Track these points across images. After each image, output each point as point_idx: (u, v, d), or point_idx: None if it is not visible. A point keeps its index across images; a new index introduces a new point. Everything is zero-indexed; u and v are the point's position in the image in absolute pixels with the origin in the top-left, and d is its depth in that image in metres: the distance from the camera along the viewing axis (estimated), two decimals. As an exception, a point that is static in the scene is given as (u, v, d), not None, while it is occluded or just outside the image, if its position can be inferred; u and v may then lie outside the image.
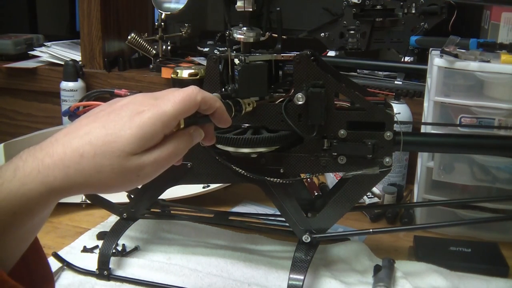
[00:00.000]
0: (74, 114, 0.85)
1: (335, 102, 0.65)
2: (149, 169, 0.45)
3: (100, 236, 0.83)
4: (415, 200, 0.94)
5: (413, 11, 1.15)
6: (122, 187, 0.45)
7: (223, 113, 0.50)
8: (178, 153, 0.47)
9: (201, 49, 1.32)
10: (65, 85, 1.20)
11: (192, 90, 0.47)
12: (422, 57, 1.13)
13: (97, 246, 0.80)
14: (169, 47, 1.26)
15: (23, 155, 0.42)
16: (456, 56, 0.80)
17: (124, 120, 0.44)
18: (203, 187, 0.95)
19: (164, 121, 0.44)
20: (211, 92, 0.65)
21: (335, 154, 0.66)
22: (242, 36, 0.65)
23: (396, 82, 1.11)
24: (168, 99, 0.45)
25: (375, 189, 0.97)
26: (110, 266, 0.74)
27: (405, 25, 1.16)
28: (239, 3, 0.64)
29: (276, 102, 0.67)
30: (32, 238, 0.46)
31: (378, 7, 1.16)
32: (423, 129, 0.92)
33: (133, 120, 0.43)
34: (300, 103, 0.63)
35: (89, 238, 0.84)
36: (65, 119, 1.11)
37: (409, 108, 0.99)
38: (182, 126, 0.47)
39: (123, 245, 0.80)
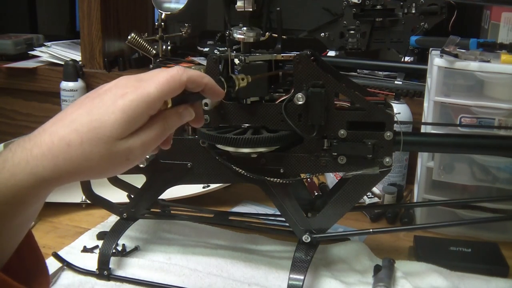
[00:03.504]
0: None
1: (335, 102, 0.65)
2: (138, 152, 0.45)
3: (100, 236, 0.83)
4: (415, 200, 0.94)
5: (413, 11, 1.14)
6: (112, 171, 0.45)
7: (214, 86, 0.49)
8: (165, 133, 0.47)
9: (201, 49, 1.32)
10: (65, 85, 1.20)
11: (177, 70, 0.46)
12: (422, 57, 1.13)
13: (97, 246, 0.80)
14: (169, 47, 1.26)
15: (12, 146, 0.42)
16: (456, 56, 0.80)
17: (108, 105, 0.43)
18: (203, 187, 0.95)
19: (148, 103, 0.44)
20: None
21: (335, 154, 0.66)
22: (242, 36, 0.65)
23: (396, 82, 1.11)
24: (152, 80, 0.45)
25: (375, 189, 0.97)
26: (110, 266, 0.74)
27: (405, 25, 1.16)
28: (239, 3, 0.64)
29: (276, 102, 0.67)
30: (25, 231, 0.46)
31: (378, 7, 1.16)
32: (423, 129, 0.92)
33: (116, 104, 0.43)
34: (300, 103, 0.63)
35: (89, 238, 0.84)
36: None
37: (409, 108, 0.99)
38: (169, 105, 0.47)
39: (123, 245, 0.80)
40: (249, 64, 0.65)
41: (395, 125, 0.65)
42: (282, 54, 0.67)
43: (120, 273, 0.74)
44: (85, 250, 0.80)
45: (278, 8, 0.81)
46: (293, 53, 0.65)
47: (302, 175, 0.71)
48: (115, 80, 0.46)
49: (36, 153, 0.41)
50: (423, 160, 0.88)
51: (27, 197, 0.42)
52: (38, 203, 0.44)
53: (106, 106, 0.43)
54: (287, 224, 0.71)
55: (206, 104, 0.63)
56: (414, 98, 1.06)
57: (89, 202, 0.86)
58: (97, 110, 0.43)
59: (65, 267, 0.75)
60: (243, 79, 0.59)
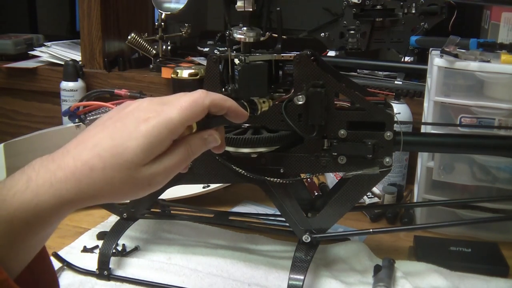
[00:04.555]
0: (74, 114, 0.85)
1: (335, 102, 0.65)
2: (160, 178, 0.45)
3: (100, 236, 0.83)
4: (415, 200, 0.94)
5: (413, 11, 1.15)
6: (134, 195, 0.45)
7: (237, 109, 0.49)
8: (189, 158, 0.46)
9: (201, 49, 1.32)
10: (65, 85, 1.20)
11: (200, 94, 0.46)
12: (422, 57, 1.13)
13: (97, 246, 0.80)
14: (169, 47, 1.27)
15: (35, 165, 0.42)
16: (456, 56, 0.80)
17: (130, 130, 0.43)
18: (203, 187, 0.95)
19: (171, 129, 0.43)
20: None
21: (335, 154, 0.66)
22: (242, 36, 0.65)
23: (396, 82, 1.11)
24: (174, 105, 0.44)
25: (375, 189, 0.97)
26: (110, 266, 0.74)
27: (405, 25, 1.16)
28: (239, 3, 0.64)
29: (276, 102, 0.67)
30: (40, 248, 0.46)
31: (378, 7, 1.16)
32: (423, 129, 0.92)
33: (138, 129, 0.43)
34: (300, 103, 0.63)
35: (89, 238, 0.84)
36: (65, 119, 1.11)
37: (409, 108, 0.99)
38: (194, 130, 0.46)
39: (123, 245, 0.80)
40: (249, 64, 0.65)
41: (395, 125, 0.65)
42: (282, 54, 0.67)
43: (120, 273, 0.74)
44: (85, 250, 0.80)
45: (278, 8, 0.81)
46: (293, 53, 0.65)
47: (302, 175, 0.71)
48: (137, 101, 0.46)
49: (60, 176, 0.41)
50: (423, 160, 0.88)
51: (48, 218, 0.42)
52: (57, 223, 0.45)
53: (128, 131, 0.43)
54: (287, 224, 0.72)
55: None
56: (414, 98, 1.05)
57: (89, 202, 0.86)
58: (119, 135, 0.43)
59: (65, 267, 0.75)
60: (264, 102, 0.58)
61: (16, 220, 0.40)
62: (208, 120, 0.47)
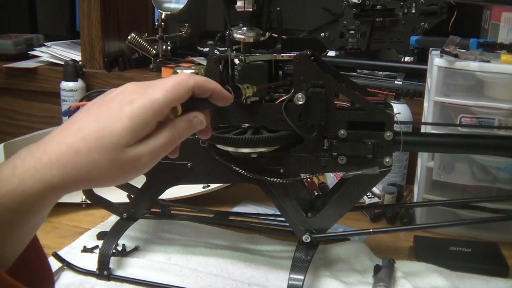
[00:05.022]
0: (74, 114, 0.85)
1: (335, 102, 0.65)
2: (146, 160, 0.45)
3: (100, 236, 0.83)
4: (415, 200, 0.94)
5: (413, 11, 1.15)
6: (120, 179, 0.45)
7: (221, 91, 0.49)
8: (175, 141, 0.47)
9: (201, 49, 1.32)
10: (65, 85, 1.20)
11: (184, 76, 0.46)
12: (422, 57, 1.13)
13: (97, 246, 0.80)
14: (169, 47, 1.27)
15: (21, 153, 0.43)
16: (456, 56, 0.80)
17: (114, 112, 0.43)
18: (203, 187, 0.95)
19: (155, 110, 0.44)
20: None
21: (335, 154, 0.66)
22: (242, 36, 0.65)
23: (396, 82, 1.11)
24: (158, 86, 0.45)
25: (375, 189, 0.97)
26: (110, 266, 0.74)
27: (405, 25, 1.16)
28: (239, 3, 0.64)
29: (276, 102, 0.67)
30: (31, 237, 0.46)
31: (378, 7, 1.16)
32: (423, 129, 0.92)
33: (123, 111, 0.43)
34: (300, 103, 0.63)
35: (89, 238, 0.84)
36: (65, 119, 1.11)
37: (409, 108, 0.99)
38: (179, 112, 0.46)
39: (123, 245, 0.80)
40: (249, 64, 0.65)
41: (395, 125, 0.65)
42: (282, 54, 0.67)
43: (120, 273, 0.74)
44: (85, 250, 0.80)
45: (278, 8, 0.81)
46: (293, 53, 0.65)
47: (302, 175, 0.71)
48: (122, 86, 0.46)
49: (45, 161, 0.42)
50: (423, 160, 0.88)
51: (35, 204, 0.42)
52: (46, 210, 0.44)
53: (113, 114, 0.43)
54: (287, 224, 0.71)
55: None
56: (414, 98, 1.06)
57: (89, 202, 0.86)
58: (104, 118, 0.43)
59: (65, 267, 0.75)
60: (248, 88, 0.59)
61: (2, 208, 0.40)
62: (193, 103, 0.47)
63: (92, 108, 0.45)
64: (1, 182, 0.40)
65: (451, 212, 0.87)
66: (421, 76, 1.06)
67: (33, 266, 0.49)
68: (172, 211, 0.87)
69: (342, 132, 0.65)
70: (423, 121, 0.92)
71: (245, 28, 0.65)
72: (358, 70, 1.16)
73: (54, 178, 0.41)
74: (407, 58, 1.17)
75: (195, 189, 0.94)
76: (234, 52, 0.67)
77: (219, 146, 0.67)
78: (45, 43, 1.33)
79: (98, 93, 0.91)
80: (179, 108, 0.46)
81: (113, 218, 0.85)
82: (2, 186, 0.40)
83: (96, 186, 0.45)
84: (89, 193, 0.79)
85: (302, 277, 0.66)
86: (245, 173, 0.68)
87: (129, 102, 0.44)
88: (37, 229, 0.46)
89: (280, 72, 0.69)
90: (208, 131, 0.51)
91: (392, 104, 0.71)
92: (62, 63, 1.23)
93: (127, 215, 0.77)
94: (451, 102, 0.82)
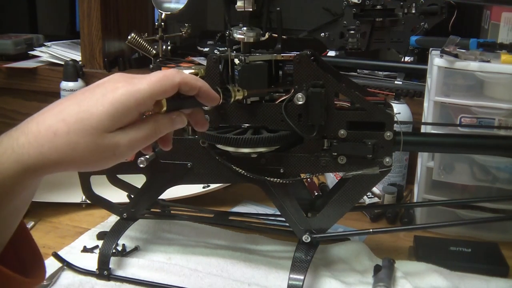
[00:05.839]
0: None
1: (335, 102, 0.65)
2: (124, 148, 0.45)
3: (100, 236, 0.83)
4: (415, 200, 0.94)
5: (413, 11, 1.15)
6: (98, 164, 0.45)
7: (208, 90, 0.49)
8: (155, 136, 0.47)
9: (201, 49, 1.32)
10: (65, 85, 1.20)
11: (171, 71, 0.46)
12: (422, 57, 1.13)
13: (97, 246, 0.80)
14: (169, 47, 1.26)
15: (0, 136, 0.43)
16: (456, 56, 0.80)
17: (97, 97, 0.44)
18: (203, 187, 0.95)
19: (138, 99, 0.44)
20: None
21: (335, 154, 0.66)
22: (242, 36, 0.65)
23: (396, 82, 1.11)
24: (145, 78, 0.45)
25: (375, 189, 0.97)
26: (110, 266, 0.74)
27: (405, 25, 1.16)
28: (239, 3, 0.64)
29: (276, 102, 0.67)
30: (16, 222, 0.46)
31: (378, 7, 1.16)
32: (423, 129, 0.92)
33: (106, 97, 0.43)
34: (300, 103, 0.63)
35: (89, 238, 0.84)
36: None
37: (409, 108, 0.99)
38: (164, 109, 0.47)
39: (123, 245, 0.80)
40: (249, 64, 0.65)
41: (395, 125, 0.65)
42: (282, 54, 0.67)
43: (120, 273, 0.74)
44: (85, 250, 0.80)
45: (278, 8, 0.81)
46: (293, 53, 0.65)
47: (302, 175, 0.71)
48: (108, 76, 0.47)
49: (22, 141, 0.42)
50: (423, 160, 0.88)
51: (13, 186, 0.42)
52: (26, 193, 0.44)
53: (95, 99, 0.44)
54: (287, 224, 0.71)
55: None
56: (414, 98, 1.06)
57: (89, 202, 0.86)
58: (86, 102, 0.43)
59: (65, 267, 0.75)
60: (239, 91, 0.58)
61: None
62: (180, 100, 0.47)
63: (76, 94, 0.45)
64: None
65: (451, 212, 0.87)
66: (421, 76, 1.06)
67: (23, 254, 0.49)
68: (172, 211, 0.87)
69: (342, 132, 0.65)
70: (423, 121, 0.92)
71: (245, 28, 0.65)
72: (358, 70, 1.16)
73: (31, 159, 0.41)
74: (407, 58, 1.17)
75: (195, 189, 0.94)
76: (234, 52, 0.67)
77: (219, 146, 0.67)
78: (45, 43, 1.33)
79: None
80: (164, 103, 0.46)
81: (113, 218, 0.85)
82: None
83: (74, 169, 0.45)
84: (89, 193, 0.79)
85: (302, 277, 0.66)
86: (245, 173, 0.68)
87: (113, 89, 0.44)
88: (21, 214, 0.47)
89: (280, 72, 0.69)
90: (204, 124, 0.52)
91: (392, 104, 0.71)
92: (62, 63, 1.23)
93: (127, 215, 0.77)
94: (451, 102, 0.82)
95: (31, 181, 0.43)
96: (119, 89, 0.44)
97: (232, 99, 0.57)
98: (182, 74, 0.47)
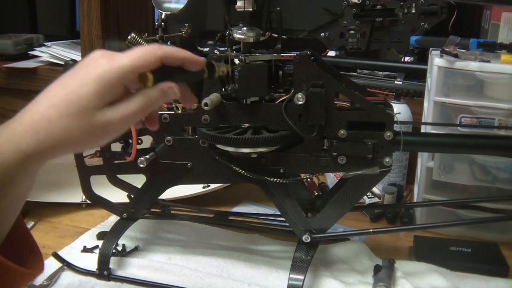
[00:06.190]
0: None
1: (335, 102, 0.65)
2: (117, 124, 0.46)
3: (100, 236, 0.83)
4: (415, 200, 0.94)
5: (413, 11, 1.14)
6: (93, 143, 0.47)
7: (192, 57, 0.51)
8: (146, 108, 0.48)
9: (201, 49, 1.32)
10: (65, 85, 1.20)
11: (153, 46, 0.48)
12: (422, 57, 1.13)
13: (97, 246, 0.80)
14: (169, 47, 1.26)
15: None
16: (456, 56, 0.80)
17: (81, 77, 0.45)
18: (203, 187, 0.95)
19: (120, 74, 0.45)
20: (211, 92, 0.66)
21: (335, 154, 0.66)
22: (242, 36, 0.65)
23: (396, 82, 1.11)
24: (126, 54, 0.47)
25: (375, 189, 0.97)
26: (110, 266, 0.74)
27: (405, 25, 1.16)
28: (239, 3, 0.64)
29: (276, 102, 0.67)
30: (16, 213, 0.48)
31: (378, 7, 1.16)
32: (423, 129, 0.92)
33: (89, 75, 0.45)
34: (300, 103, 0.63)
35: (89, 238, 0.84)
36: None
37: (409, 108, 0.99)
38: (150, 81, 0.48)
39: (123, 245, 0.80)
40: (249, 64, 0.65)
41: (395, 125, 0.65)
42: (282, 54, 0.67)
43: (120, 273, 0.74)
44: (85, 250, 0.80)
45: (278, 8, 0.81)
46: (293, 53, 0.65)
47: (302, 175, 0.71)
48: (91, 53, 0.48)
49: (19, 131, 0.43)
50: (423, 160, 0.88)
51: (14, 174, 0.43)
52: (26, 182, 0.46)
53: (80, 79, 0.45)
54: (287, 224, 0.71)
55: (206, 104, 0.63)
56: (414, 98, 1.06)
57: (89, 202, 0.86)
58: (72, 83, 0.45)
59: (65, 267, 0.75)
60: (222, 66, 0.61)
61: None
62: (165, 72, 0.49)
63: (63, 77, 0.47)
64: None
65: (451, 212, 0.87)
66: (421, 76, 1.06)
67: (20, 247, 0.50)
68: (172, 211, 0.87)
69: (342, 132, 0.65)
70: (423, 121, 0.92)
71: (245, 28, 0.65)
72: (358, 70, 1.16)
73: (29, 147, 0.43)
74: (407, 58, 1.17)
75: (195, 189, 0.94)
76: (234, 52, 0.67)
77: (219, 146, 0.67)
78: (45, 43, 1.33)
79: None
80: (150, 76, 0.48)
81: (113, 218, 0.85)
82: None
83: (71, 151, 0.47)
84: (89, 193, 0.79)
85: (302, 277, 0.66)
86: (245, 173, 0.68)
87: (95, 67, 0.45)
88: (20, 205, 0.48)
89: (280, 72, 0.69)
90: (191, 100, 0.54)
91: (392, 104, 0.71)
92: (62, 63, 1.23)
93: (127, 215, 0.77)
94: (451, 102, 0.82)
95: (31, 168, 0.44)
96: (102, 66, 0.45)
97: (216, 74, 0.59)
98: (164, 48, 0.48)
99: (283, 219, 0.71)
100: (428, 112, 0.85)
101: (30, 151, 0.43)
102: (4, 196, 0.43)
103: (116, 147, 0.74)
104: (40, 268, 0.51)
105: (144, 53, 0.47)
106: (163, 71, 0.49)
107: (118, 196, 0.82)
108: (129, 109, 0.46)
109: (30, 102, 0.46)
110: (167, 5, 1.24)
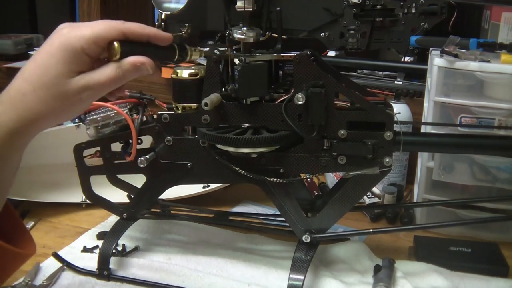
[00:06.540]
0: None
1: (335, 102, 0.65)
2: (90, 91, 0.49)
3: (100, 236, 0.83)
4: (415, 200, 0.94)
5: (413, 11, 1.14)
6: (69, 113, 0.50)
7: (158, 33, 0.54)
8: (119, 79, 0.51)
9: (201, 49, 1.31)
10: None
11: (117, 21, 0.51)
12: (422, 57, 1.13)
13: (97, 246, 0.80)
14: (169, 47, 1.26)
15: None
16: (456, 56, 0.80)
17: (47, 49, 0.48)
18: (203, 187, 0.95)
19: (81, 41, 0.48)
20: (211, 92, 0.66)
21: (335, 154, 0.66)
22: (242, 36, 0.65)
23: (396, 82, 1.11)
24: (89, 25, 0.49)
25: (375, 189, 0.97)
26: (110, 266, 0.74)
27: (405, 25, 1.16)
28: (239, 3, 0.64)
29: (276, 102, 0.67)
30: (6, 193, 0.50)
31: (378, 7, 1.16)
32: (423, 129, 0.92)
33: (54, 46, 0.47)
34: (300, 103, 0.63)
35: (89, 238, 0.84)
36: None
37: (409, 108, 0.99)
38: (117, 52, 0.50)
39: (123, 245, 0.80)
40: (249, 64, 0.65)
41: (395, 125, 0.65)
42: (282, 54, 0.67)
43: (120, 273, 0.74)
44: (85, 250, 0.80)
45: (278, 8, 0.81)
46: (293, 53, 0.65)
47: (302, 175, 0.71)
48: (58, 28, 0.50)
49: (1, 110, 0.46)
50: (423, 160, 0.88)
51: (3, 152, 0.46)
52: (15, 157, 0.48)
53: (46, 50, 0.48)
54: (287, 224, 0.71)
55: (206, 104, 0.63)
56: (414, 98, 1.06)
57: (89, 202, 0.86)
58: (40, 56, 0.47)
59: (65, 267, 0.75)
60: (195, 51, 0.63)
61: None
62: (135, 47, 0.52)
63: (34, 53, 0.50)
64: None
65: (451, 212, 0.87)
66: (421, 76, 1.06)
67: (8, 228, 0.52)
68: (172, 211, 0.87)
69: (342, 132, 0.65)
70: (423, 121, 0.92)
71: (245, 28, 0.65)
72: (358, 70, 1.16)
73: (12, 122, 0.46)
74: (407, 58, 1.17)
75: (195, 189, 0.94)
76: (234, 52, 0.67)
77: (219, 146, 0.67)
78: (45, 43, 1.33)
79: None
80: (118, 48, 0.50)
81: (113, 218, 0.85)
82: None
83: (51, 122, 0.50)
84: (89, 193, 0.79)
85: (302, 277, 0.66)
86: (245, 173, 0.68)
87: (59, 36, 0.48)
88: (11, 184, 0.50)
89: (280, 72, 0.69)
90: (157, 73, 0.56)
91: (392, 104, 0.71)
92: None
93: (127, 215, 0.77)
94: (451, 102, 0.82)
95: (18, 143, 0.47)
96: (64, 35, 0.48)
97: (188, 57, 0.62)
98: (128, 24, 0.51)
99: (283, 219, 0.71)
100: (428, 112, 0.85)
101: (13, 127, 0.45)
102: None
103: (116, 147, 0.74)
104: (32, 249, 0.53)
105: (107, 24, 0.49)
106: (133, 45, 0.51)
107: (118, 196, 0.82)
108: (101, 77, 0.49)
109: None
110: (167, 5, 1.24)
